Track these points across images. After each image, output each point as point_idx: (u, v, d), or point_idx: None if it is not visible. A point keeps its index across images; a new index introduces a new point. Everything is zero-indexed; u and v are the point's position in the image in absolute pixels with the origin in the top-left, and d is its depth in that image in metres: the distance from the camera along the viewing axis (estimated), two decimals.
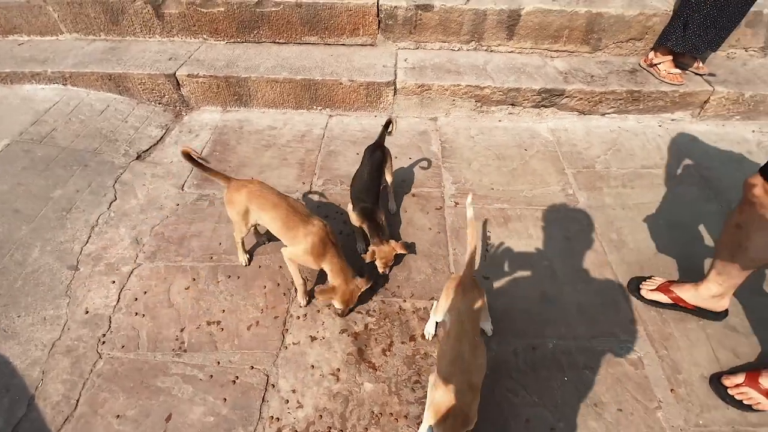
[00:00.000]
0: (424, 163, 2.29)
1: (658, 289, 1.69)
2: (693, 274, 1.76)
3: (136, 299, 1.72)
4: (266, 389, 1.46)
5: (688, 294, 1.61)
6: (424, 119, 2.59)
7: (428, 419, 1.14)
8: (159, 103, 2.70)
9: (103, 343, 1.59)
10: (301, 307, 1.68)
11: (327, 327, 1.63)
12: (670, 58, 2.50)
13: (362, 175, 1.80)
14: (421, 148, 2.39)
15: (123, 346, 1.58)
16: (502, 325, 1.63)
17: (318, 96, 2.58)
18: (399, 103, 2.56)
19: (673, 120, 2.61)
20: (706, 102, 2.54)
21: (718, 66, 2.66)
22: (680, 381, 1.49)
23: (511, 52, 2.73)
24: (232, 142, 2.47)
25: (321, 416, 1.39)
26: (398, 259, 1.85)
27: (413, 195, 2.13)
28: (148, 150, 2.42)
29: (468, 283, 1.32)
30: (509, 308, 1.68)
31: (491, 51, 2.73)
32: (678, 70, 2.51)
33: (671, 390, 1.46)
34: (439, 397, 1.13)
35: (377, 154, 1.83)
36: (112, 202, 2.10)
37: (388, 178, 1.93)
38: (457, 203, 2.09)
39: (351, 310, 1.66)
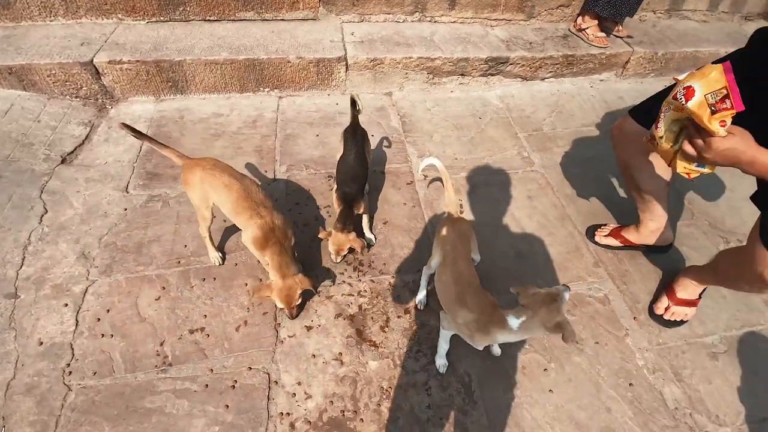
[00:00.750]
0: (387, 141, 2.28)
1: (610, 234, 1.89)
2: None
3: (99, 319, 1.54)
4: (270, 387, 1.41)
5: (633, 235, 1.82)
6: (379, 95, 2.56)
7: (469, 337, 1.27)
8: (76, 97, 2.35)
9: (70, 373, 1.41)
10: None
11: (321, 314, 1.60)
12: (596, 22, 2.71)
13: (348, 161, 1.74)
14: (381, 124, 2.37)
15: (95, 373, 1.42)
16: (487, 284, 1.71)
17: (264, 77, 2.41)
18: (352, 79, 2.49)
19: (601, 80, 2.86)
20: (627, 62, 2.81)
21: (634, 28, 2.94)
22: (640, 309, 1.70)
23: (454, 22, 2.77)
24: (175, 134, 2.24)
25: (332, 402, 1.38)
26: (379, 237, 1.86)
27: (383, 172, 2.12)
28: (73, 152, 2.12)
29: (454, 217, 1.47)
30: (490, 269, 1.77)
31: (435, 22, 2.75)
32: (603, 34, 2.74)
33: (634, 318, 1.67)
34: (466, 317, 1.24)
35: (359, 136, 1.79)
36: (42, 216, 1.82)
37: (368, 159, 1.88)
38: (426, 176, 2.12)
39: (300, 311, 1.57)
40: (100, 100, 2.38)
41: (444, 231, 1.44)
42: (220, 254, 1.71)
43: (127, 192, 1.96)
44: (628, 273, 1.82)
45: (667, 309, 1.63)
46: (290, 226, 1.53)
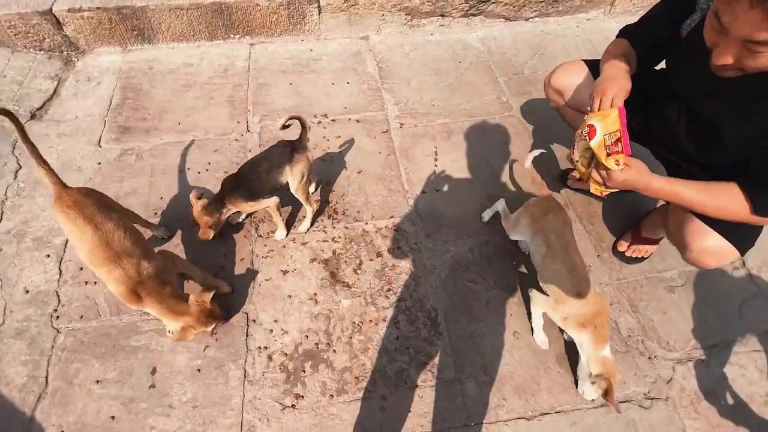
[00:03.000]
0: (363, 87, 2.23)
1: (581, 179, 1.91)
2: None
3: (82, 268, 1.60)
4: (248, 325, 1.50)
5: None
6: (355, 39, 2.46)
7: (573, 331, 1.34)
8: (40, 50, 2.26)
9: (57, 317, 1.49)
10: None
11: (296, 259, 1.66)
12: None
13: (254, 166, 1.51)
14: (357, 70, 2.31)
15: (81, 317, 1.50)
16: (458, 228, 1.77)
17: (234, 22, 2.31)
18: (325, 22, 2.39)
19: (588, 20, 2.74)
20: None
21: None
22: (603, 248, 1.76)
23: None
24: (145, 86, 2.19)
25: (307, 336, 1.48)
26: (353, 186, 1.88)
27: (358, 121, 2.10)
28: (42, 107, 2.08)
29: (549, 199, 1.49)
30: (462, 213, 1.81)
31: None
32: None
33: (597, 256, 1.74)
34: (576, 307, 1.31)
35: (286, 154, 1.51)
36: (17, 171, 1.83)
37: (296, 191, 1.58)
38: (402, 124, 2.10)
39: (224, 313, 1.45)
40: (65, 53, 2.30)
41: (544, 214, 1.45)
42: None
43: (100, 146, 1.95)
44: (596, 214, 1.86)
45: (629, 246, 1.69)
46: (170, 264, 1.36)
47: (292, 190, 1.57)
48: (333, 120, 2.09)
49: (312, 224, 1.73)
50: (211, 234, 1.54)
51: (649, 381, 1.46)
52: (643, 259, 1.70)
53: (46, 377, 1.39)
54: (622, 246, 1.71)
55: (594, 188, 1.21)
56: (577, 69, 1.51)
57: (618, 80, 1.20)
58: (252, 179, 1.50)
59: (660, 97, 1.34)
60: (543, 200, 1.51)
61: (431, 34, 2.53)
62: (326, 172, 1.91)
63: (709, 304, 1.64)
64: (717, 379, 1.48)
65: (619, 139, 1.06)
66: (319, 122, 2.08)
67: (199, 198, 1.53)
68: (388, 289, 1.60)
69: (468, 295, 1.59)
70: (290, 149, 1.52)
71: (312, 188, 1.80)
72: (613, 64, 1.26)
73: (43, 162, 1.30)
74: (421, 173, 1.93)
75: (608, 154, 1.08)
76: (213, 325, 1.35)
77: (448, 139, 2.06)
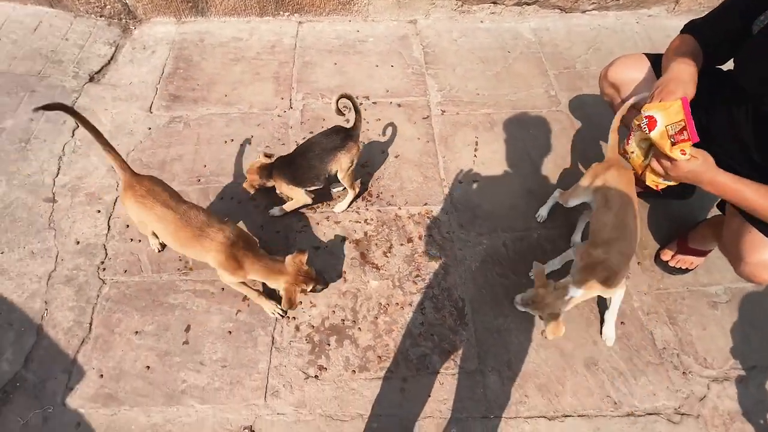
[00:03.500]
0: (408, 71, 2.21)
1: None
2: None
3: (128, 226, 1.68)
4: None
5: (650, 177, 1.75)
6: (403, 22, 2.43)
7: (576, 266, 1.34)
8: (101, 16, 2.36)
9: (104, 269, 1.58)
10: (281, 316, 1.49)
11: (328, 237, 1.68)
12: None
13: (309, 150, 1.54)
14: (403, 54, 2.28)
15: (125, 271, 1.58)
16: (493, 221, 1.74)
17: None
18: (374, 4, 2.37)
19: (650, 16, 2.59)
20: None
21: None
22: (645, 255, 1.69)
23: None
24: (196, 57, 2.25)
25: (334, 311, 1.51)
26: (390, 170, 1.88)
27: (399, 105, 2.08)
28: (100, 71, 2.18)
29: (618, 162, 1.39)
30: (498, 206, 1.78)
31: None
32: None
33: (638, 263, 1.67)
34: (597, 253, 1.29)
35: (341, 138, 1.53)
36: (74, 130, 1.94)
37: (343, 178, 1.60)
38: (443, 111, 2.07)
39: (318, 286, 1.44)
40: (123, 20, 2.39)
41: (606, 169, 1.39)
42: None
43: (151, 112, 2.03)
44: (641, 220, 1.78)
45: (674, 256, 1.61)
46: (243, 230, 1.40)
47: (340, 177, 1.59)
48: (374, 102, 2.09)
49: (348, 206, 1.74)
50: (252, 190, 1.64)
51: (681, 396, 1.40)
52: (687, 270, 1.62)
53: (90, 323, 1.48)
54: (666, 255, 1.63)
55: (651, 180, 1.17)
56: (637, 63, 1.43)
57: (683, 84, 1.13)
58: (302, 165, 1.54)
59: (724, 97, 1.25)
60: (607, 159, 1.44)
61: (481, 22, 2.46)
62: (364, 155, 1.91)
63: (753, 324, 1.55)
64: (754, 402, 1.41)
65: (684, 128, 1.03)
66: (361, 104, 2.08)
67: (267, 156, 1.61)
68: (417, 275, 1.60)
69: (497, 289, 1.57)
70: (344, 136, 1.53)
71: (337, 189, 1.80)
72: (681, 63, 1.18)
73: (112, 150, 1.34)
74: (459, 162, 1.90)
75: (673, 144, 1.04)
76: (311, 286, 1.37)
77: (491, 130, 2.01)
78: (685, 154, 1.04)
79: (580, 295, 1.28)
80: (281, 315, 1.48)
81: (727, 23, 1.20)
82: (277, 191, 1.70)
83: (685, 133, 1.02)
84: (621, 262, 1.29)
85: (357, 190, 1.71)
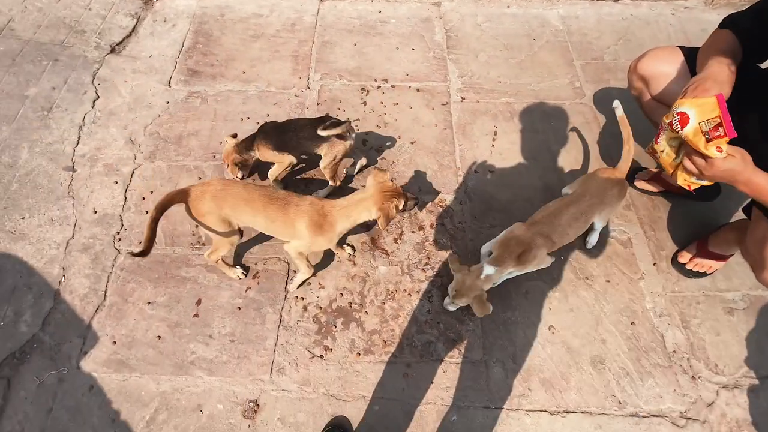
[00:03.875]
0: (429, 55, 2.15)
1: (651, 178, 1.77)
2: None
3: (144, 198, 1.71)
4: (288, 275, 1.55)
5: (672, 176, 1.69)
6: (427, 4, 2.36)
7: (497, 240, 1.40)
8: None
9: (120, 240, 1.62)
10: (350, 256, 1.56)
11: None
12: None
13: (294, 124, 1.55)
14: (425, 37, 2.23)
15: (140, 242, 1.61)
16: (507, 213, 1.71)
17: None
18: None
19: (686, 8, 2.46)
20: None
21: None
22: (662, 256, 1.65)
23: None
24: (216, 32, 2.23)
25: (342, 294, 1.51)
26: (405, 156, 1.85)
27: (418, 90, 2.04)
28: (121, 42, 2.18)
29: (615, 177, 1.43)
30: (514, 198, 1.75)
31: None
32: None
33: (654, 264, 1.63)
34: (517, 228, 1.37)
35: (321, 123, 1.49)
36: (95, 101, 1.95)
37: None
38: (463, 98, 2.03)
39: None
40: None
41: (594, 175, 1.44)
42: (240, 270, 1.54)
43: (170, 86, 2.03)
44: (659, 220, 1.73)
45: (692, 259, 1.57)
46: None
47: (321, 166, 1.57)
48: (393, 86, 2.05)
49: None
50: (238, 172, 1.63)
51: (689, 400, 1.38)
52: (705, 274, 1.57)
53: (105, 291, 1.52)
54: (684, 257, 1.58)
55: (682, 180, 1.12)
56: (670, 56, 1.37)
57: (719, 84, 1.07)
58: (290, 137, 1.52)
59: (761, 98, 1.19)
60: (608, 169, 1.47)
61: (508, 6, 2.38)
62: (378, 140, 1.89)
63: None
64: (764, 412, 1.38)
65: (719, 124, 0.97)
66: (379, 86, 2.05)
67: (233, 137, 1.61)
68: (426, 263, 1.59)
69: (506, 282, 1.55)
70: (335, 131, 1.48)
71: (356, 168, 1.77)
72: (719, 62, 1.12)
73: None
74: (477, 152, 1.86)
75: (708, 141, 0.99)
76: (403, 201, 1.36)
77: (511, 120, 1.96)
78: (721, 152, 0.98)
79: (494, 272, 1.32)
80: (351, 255, 1.56)
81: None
82: (262, 159, 1.63)
83: (720, 128, 0.97)
84: (537, 241, 1.33)
85: (337, 184, 1.66)
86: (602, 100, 2.05)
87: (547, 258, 1.40)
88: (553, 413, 1.35)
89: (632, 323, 1.50)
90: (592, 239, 1.60)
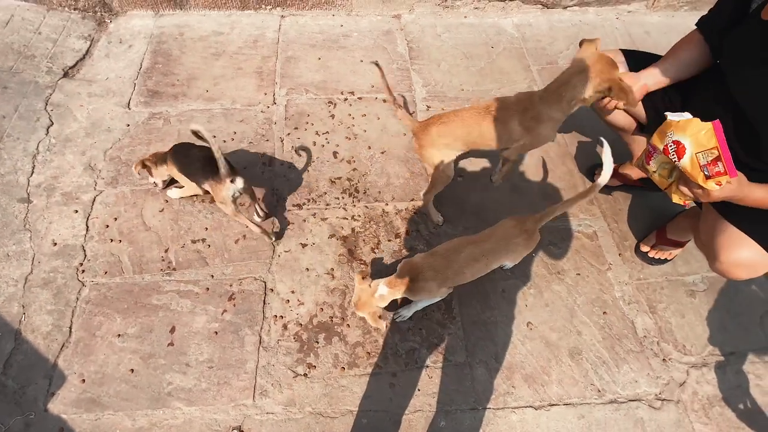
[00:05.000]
0: (392, 66, 2.20)
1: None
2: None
3: (108, 226, 1.64)
4: (266, 294, 1.52)
5: (629, 169, 1.79)
6: (387, 17, 2.42)
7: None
8: (75, 9, 2.28)
9: (83, 271, 1.54)
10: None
11: (315, 234, 1.67)
12: None
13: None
14: (387, 49, 2.27)
15: (106, 272, 1.54)
16: (479, 215, 1.75)
17: None
18: None
19: (629, 12, 2.63)
20: None
21: None
22: (626, 246, 1.73)
23: None
24: (175, 51, 2.19)
25: (322, 309, 1.50)
26: (376, 166, 1.87)
27: (384, 101, 2.07)
28: (75, 66, 2.10)
29: (525, 226, 1.36)
30: (483, 200, 1.80)
31: None
32: None
33: (619, 254, 1.71)
34: (418, 256, 1.35)
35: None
36: (49, 127, 1.87)
37: None
38: (429, 107, 2.07)
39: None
40: (99, 13, 2.31)
41: (504, 224, 1.39)
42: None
43: (129, 108, 1.97)
44: (621, 212, 1.82)
45: (653, 247, 1.66)
46: None
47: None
48: (359, 98, 2.08)
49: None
50: (141, 171, 1.60)
51: (662, 382, 1.44)
52: (666, 261, 1.66)
53: (70, 327, 1.44)
54: (645, 246, 1.67)
55: (677, 199, 1.12)
56: (613, 56, 1.45)
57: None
58: (190, 161, 1.48)
59: (705, 95, 1.28)
60: (524, 219, 1.39)
61: (465, 17, 2.46)
62: (349, 151, 1.90)
63: (730, 311, 1.61)
64: (731, 387, 1.46)
65: (717, 158, 0.93)
66: (346, 99, 2.07)
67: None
68: None
69: (485, 283, 1.59)
70: (214, 169, 1.40)
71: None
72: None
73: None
74: None
75: (707, 177, 0.95)
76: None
77: None
78: (720, 185, 0.95)
79: (386, 292, 1.29)
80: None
81: (729, 10, 1.19)
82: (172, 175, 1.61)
83: (719, 164, 0.92)
84: (426, 273, 1.29)
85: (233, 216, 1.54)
86: None
87: (441, 291, 1.36)
88: (538, 408, 1.38)
89: (604, 313, 1.56)
90: (404, 313, 1.48)
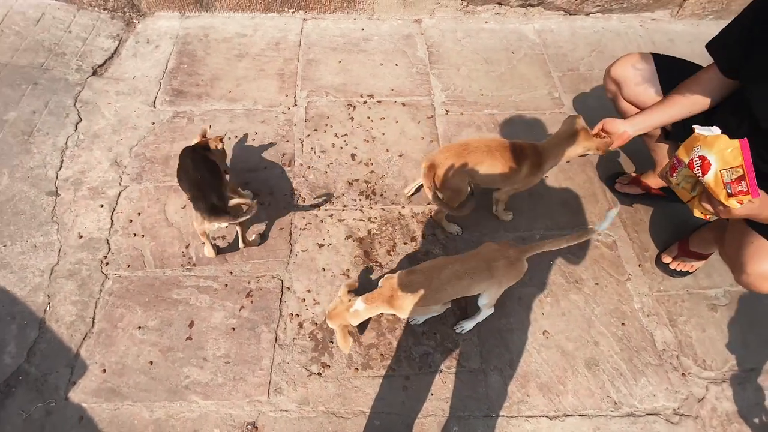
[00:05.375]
0: (412, 70, 2.21)
1: (631, 182, 1.84)
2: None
3: (131, 221, 1.68)
4: (282, 292, 1.54)
5: (651, 179, 1.77)
6: (408, 21, 2.43)
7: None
8: (104, 9, 2.35)
9: (107, 264, 1.58)
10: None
11: (332, 234, 1.69)
12: None
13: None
14: (407, 53, 2.29)
15: (129, 266, 1.58)
16: (495, 222, 1.75)
17: None
18: (380, 2, 2.37)
19: (653, 19, 2.60)
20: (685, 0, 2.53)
21: None
22: (647, 257, 1.70)
23: None
24: (200, 52, 2.24)
25: None
26: (393, 169, 1.88)
27: (403, 104, 2.09)
28: (103, 64, 2.17)
29: (509, 252, 1.31)
30: None
31: None
32: None
33: (639, 265, 1.68)
34: (398, 274, 1.32)
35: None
36: (77, 123, 1.93)
37: None
38: (447, 111, 2.08)
39: None
40: (127, 14, 2.38)
41: (486, 249, 1.34)
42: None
43: (155, 107, 2.02)
44: (642, 222, 1.79)
45: (674, 258, 1.63)
46: None
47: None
48: (378, 101, 2.09)
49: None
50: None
51: (681, 397, 1.42)
52: (687, 273, 1.63)
53: (93, 318, 1.48)
54: (667, 258, 1.64)
55: (698, 213, 1.12)
56: (640, 62, 1.44)
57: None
58: (183, 175, 1.44)
59: (722, 108, 1.26)
60: (506, 249, 1.33)
61: (486, 22, 2.46)
62: (368, 154, 1.92)
63: (753, 327, 1.57)
64: (751, 404, 1.43)
65: (742, 177, 0.93)
66: (365, 102, 2.08)
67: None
68: None
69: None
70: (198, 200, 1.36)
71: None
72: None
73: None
74: None
75: (729, 195, 0.95)
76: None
77: (494, 131, 2.02)
78: (742, 204, 0.95)
79: (363, 308, 1.29)
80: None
81: (736, 31, 1.17)
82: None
83: (743, 182, 0.92)
84: (409, 293, 1.28)
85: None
86: (580, 109, 2.13)
87: (432, 308, 1.35)
88: (552, 418, 1.36)
89: (622, 324, 1.54)
90: (466, 325, 1.46)
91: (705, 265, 1.64)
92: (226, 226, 1.42)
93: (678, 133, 1.44)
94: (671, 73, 1.37)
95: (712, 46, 1.25)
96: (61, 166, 1.80)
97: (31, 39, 2.16)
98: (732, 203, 0.97)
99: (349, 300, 1.31)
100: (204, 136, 1.55)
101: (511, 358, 1.45)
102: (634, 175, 1.85)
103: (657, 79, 1.41)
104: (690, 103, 1.29)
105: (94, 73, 2.12)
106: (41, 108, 1.94)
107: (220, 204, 1.35)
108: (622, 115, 1.58)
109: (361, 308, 1.30)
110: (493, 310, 1.45)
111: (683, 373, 1.46)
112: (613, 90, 1.54)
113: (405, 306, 1.29)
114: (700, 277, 1.65)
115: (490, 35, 2.40)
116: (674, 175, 1.15)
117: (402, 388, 1.39)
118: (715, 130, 1.01)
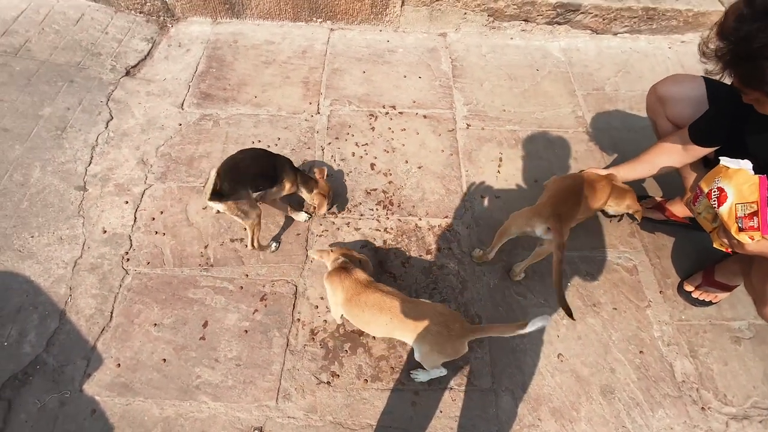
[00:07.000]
0: (435, 83, 2.22)
1: (655, 207, 1.80)
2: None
3: (154, 219, 1.72)
4: (296, 297, 1.55)
5: (677, 208, 1.72)
6: (433, 35, 2.45)
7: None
8: (140, 12, 2.44)
9: (128, 260, 1.62)
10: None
11: (348, 243, 1.69)
12: None
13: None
14: (431, 66, 2.30)
15: (148, 263, 1.61)
16: (514, 239, 1.72)
17: (319, 5, 2.37)
18: (406, 15, 2.40)
19: (683, 42, 2.56)
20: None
21: None
22: (668, 284, 1.66)
23: None
24: (229, 58, 2.30)
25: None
26: (412, 180, 1.88)
27: (425, 116, 2.09)
28: (136, 65, 2.24)
29: (450, 316, 1.21)
30: None
31: None
32: None
33: (660, 291, 1.64)
34: (359, 272, 1.32)
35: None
36: (108, 122, 1.99)
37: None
38: (469, 125, 2.08)
39: None
40: (162, 18, 2.46)
41: (438, 307, 1.24)
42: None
43: (182, 109, 2.08)
44: (664, 247, 1.75)
45: (698, 287, 1.58)
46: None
47: None
48: (400, 112, 2.11)
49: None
50: None
51: None
52: (711, 303, 1.58)
53: (112, 312, 1.51)
54: (690, 286, 1.60)
55: (717, 245, 1.11)
56: (691, 82, 1.41)
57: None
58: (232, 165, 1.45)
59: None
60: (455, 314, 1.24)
61: (511, 38, 2.47)
62: (386, 164, 1.93)
63: None
64: None
65: (755, 213, 0.93)
66: (387, 113, 2.10)
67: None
68: (434, 288, 1.60)
69: (515, 308, 1.56)
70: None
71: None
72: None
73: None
74: (483, 177, 1.90)
75: (740, 229, 0.95)
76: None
77: (515, 147, 2.01)
78: (753, 240, 0.95)
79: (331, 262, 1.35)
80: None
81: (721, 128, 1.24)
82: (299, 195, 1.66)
83: (755, 219, 0.92)
84: (347, 287, 1.29)
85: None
86: (604, 128, 2.10)
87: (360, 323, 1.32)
88: None
89: (641, 352, 1.49)
90: (421, 375, 1.39)
91: (729, 296, 1.59)
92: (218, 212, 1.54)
93: (714, 163, 1.41)
94: (719, 95, 1.34)
95: (692, 132, 1.33)
96: (90, 162, 1.86)
97: (70, 38, 2.25)
98: (743, 238, 0.97)
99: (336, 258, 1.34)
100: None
101: (524, 379, 1.43)
102: (658, 200, 1.81)
103: (706, 101, 1.39)
104: (664, 162, 1.38)
105: (127, 73, 2.19)
106: (75, 105, 2.01)
107: (226, 190, 1.35)
108: (660, 135, 1.55)
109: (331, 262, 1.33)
110: (442, 372, 1.36)
111: (703, 407, 1.40)
112: (655, 108, 1.52)
113: (343, 299, 1.29)
114: (724, 308, 1.60)
115: (515, 51, 2.40)
116: (696, 203, 1.15)
117: (411, 403, 1.38)
118: (744, 164, 1.00)
